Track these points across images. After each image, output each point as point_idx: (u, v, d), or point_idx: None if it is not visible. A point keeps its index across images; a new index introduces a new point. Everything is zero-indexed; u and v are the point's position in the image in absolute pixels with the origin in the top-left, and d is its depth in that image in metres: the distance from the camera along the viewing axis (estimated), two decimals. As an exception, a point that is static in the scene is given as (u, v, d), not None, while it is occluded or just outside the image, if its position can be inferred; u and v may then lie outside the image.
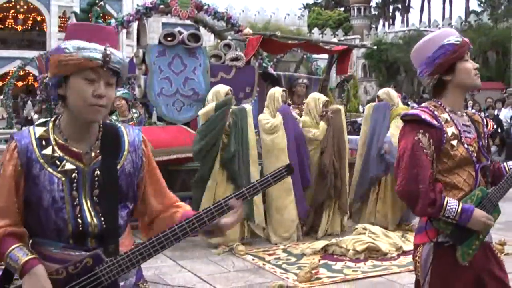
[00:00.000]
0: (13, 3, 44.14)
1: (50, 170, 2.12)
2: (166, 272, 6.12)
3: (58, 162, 2.13)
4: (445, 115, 2.92)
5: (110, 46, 2.14)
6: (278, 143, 7.37)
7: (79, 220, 2.13)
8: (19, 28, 46.39)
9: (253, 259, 6.63)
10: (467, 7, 64.29)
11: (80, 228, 2.13)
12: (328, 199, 7.71)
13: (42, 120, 2.24)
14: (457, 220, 2.79)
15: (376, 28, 60.56)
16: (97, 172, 2.17)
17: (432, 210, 2.78)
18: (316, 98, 7.91)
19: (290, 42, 11.20)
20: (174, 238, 2.14)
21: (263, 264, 6.44)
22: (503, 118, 14.92)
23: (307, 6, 76.29)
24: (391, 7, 75.81)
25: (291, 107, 8.07)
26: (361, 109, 22.82)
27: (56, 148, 2.15)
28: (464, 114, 3.01)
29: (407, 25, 56.90)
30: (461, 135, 2.90)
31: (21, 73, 29.58)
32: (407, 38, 46.95)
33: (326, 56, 11.20)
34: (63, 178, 2.13)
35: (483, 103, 16.66)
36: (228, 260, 6.61)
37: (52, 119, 2.22)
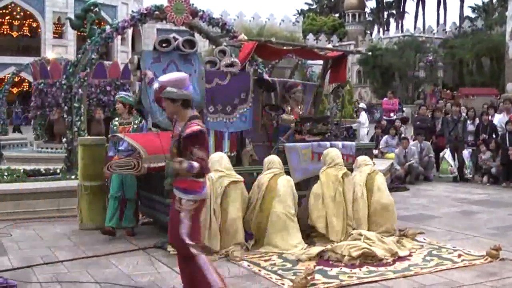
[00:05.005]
0: (8, 10, 44.16)
1: None
2: (162, 278, 6.11)
3: None
4: None
5: None
6: None
7: None
8: (14, 34, 46.39)
9: (248, 265, 6.62)
10: (461, 13, 64.62)
11: None
12: None
13: None
14: None
15: (371, 34, 60.82)
16: None
17: None
18: None
19: (285, 48, 11.18)
20: None
21: (259, 270, 6.43)
22: (497, 124, 14.97)
23: (301, 12, 76.57)
24: (385, 13, 76.09)
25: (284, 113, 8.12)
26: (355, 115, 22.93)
27: None
28: None
29: (402, 31, 57.12)
30: None
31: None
32: (402, 44, 47.14)
33: (321, 62, 11.17)
34: None
35: (478, 109, 16.77)
36: (224, 266, 6.59)
37: None
